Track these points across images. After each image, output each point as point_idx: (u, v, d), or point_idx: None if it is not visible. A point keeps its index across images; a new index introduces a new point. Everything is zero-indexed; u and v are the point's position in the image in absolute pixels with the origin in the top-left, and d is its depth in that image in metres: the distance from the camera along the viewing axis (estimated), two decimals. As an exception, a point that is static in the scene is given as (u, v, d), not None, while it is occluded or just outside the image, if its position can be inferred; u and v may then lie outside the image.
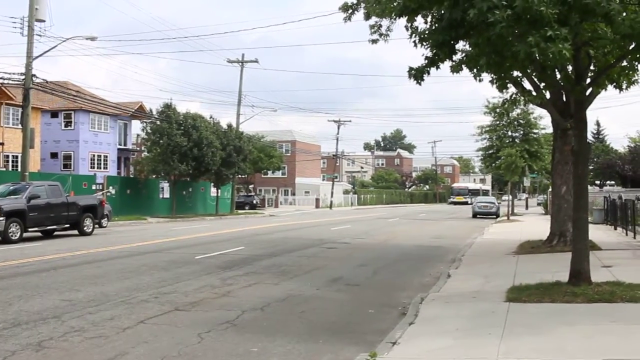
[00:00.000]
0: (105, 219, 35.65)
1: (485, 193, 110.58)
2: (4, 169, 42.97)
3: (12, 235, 24.15)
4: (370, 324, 10.31)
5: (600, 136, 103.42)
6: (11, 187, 27.07)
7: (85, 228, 28.60)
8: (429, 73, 12.23)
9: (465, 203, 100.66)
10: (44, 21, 34.65)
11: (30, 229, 25.75)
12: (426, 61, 12.16)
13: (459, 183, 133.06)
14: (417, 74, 12.19)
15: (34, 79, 34.38)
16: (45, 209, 26.39)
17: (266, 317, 10.74)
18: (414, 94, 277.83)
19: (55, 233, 27.84)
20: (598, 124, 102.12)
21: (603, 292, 10.91)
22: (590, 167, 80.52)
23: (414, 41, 12.42)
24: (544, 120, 52.42)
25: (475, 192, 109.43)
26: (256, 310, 11.19)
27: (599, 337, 8.44)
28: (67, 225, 27.98)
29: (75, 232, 28.11)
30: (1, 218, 23.83)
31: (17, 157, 43.32)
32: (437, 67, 12.21)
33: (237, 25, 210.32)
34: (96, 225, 30.21)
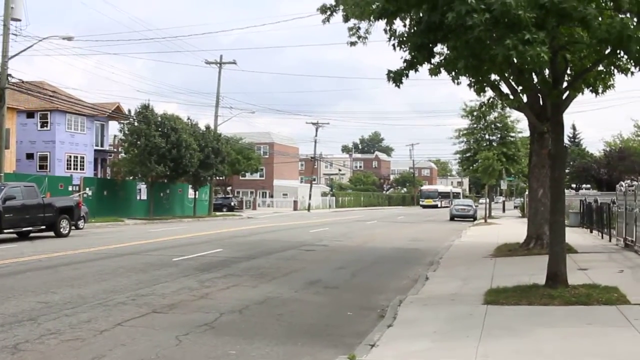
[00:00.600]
0: (82, 220, 35.32)
1: (456, 196, 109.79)
2: (-21, 170, 42.44)
3: (-14, 237, 23.78)
4: (349, 327, 10.31)
5: (577, 140, 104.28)
6: None
7: (61, 229, 28.26)
8: (407, 76, 12.26)
9: (435, 206, 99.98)
10: (19, 20, 34.40)
11: (5, 230, 25.43)
12: (405, 64, 12.19)
13: (428, 186, 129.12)
14: (396, 77, 12.22)
15: (9, 78, 34.12)
16: (21, 210, 26.06)
17: (244, 319, 10.71)
18: (392, 96, 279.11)
19: (32, 235, 27.53)
20: (574, 127, 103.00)
21: (580, 295, 11.01)
22: (567, 171, 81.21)
23: (393, 44, 12.43)
24: (521, 124, 52.88)
25: (445, 195, 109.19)
26: (234, 313, 11.15)
27: (576, 339, 8.52)
28: (43, 227, 27.62)
29: (52, 233, 27.80)
30: None
31: (-8, 158, 42.78)
32: (416, 70, 12.24)
33: (215, 27, 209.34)
34: (73, 227, 29.92)
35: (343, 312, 11.56)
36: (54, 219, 28.03)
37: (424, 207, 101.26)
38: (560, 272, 11.79)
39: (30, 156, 52.40)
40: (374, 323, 10.35)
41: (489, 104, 16.06)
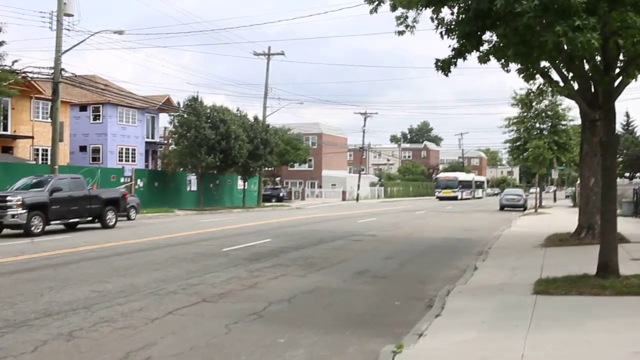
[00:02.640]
0: (134, 211, 36.02)
1: (480, 185, 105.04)
2: (34, 162, 43.52)
3: (34, 228, 24.27)
4: (397, 316, 10.32)
5: (630, 127, 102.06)
6: (34, 180, 27.29)
7: (107, 221, 28.53)
8: (455, 64, 12.18)
9: (454, 198, 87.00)
10: (72, 15, 35.07)
11: (52, 222, 25.78)
12: (453, 52, 12.10)
13: (446, 173, 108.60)
14: (444, 66, 12.15)
15: (62, 73, 34.78)
16: (68, 202, 26.40)
17: (293, 308, 10.79)
18: (439, 86, 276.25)
19: (79, 226, 28.01)
20: (628, 115, 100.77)
21: (631, 285, 10.81)
22: (620, 159, 79.63)
23: (440, 32, 12.34)
24: (572, 112, 51.80)
25: (466, 185, 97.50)
26: (283, 302, 11.25)
27: (628, 330, 8.38)
28: (90, 218, 28.00)
29: (98, 225, 28.23)
30: (23, 211, 23.91)
31: (46, 150, 43.84)
32: (464, 59, 12.15)
33: (260, 18, 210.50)
34: (123, 218, 30.41)
35: (391, 302, 11.56)
36: (100, 210, 28.30)
37: (441, 199, 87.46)
38: (612, 262, 11.59)
39: (83, 149, 53.46)
40: (422, 313, 10.33)
41: (538, 91, 15.80)
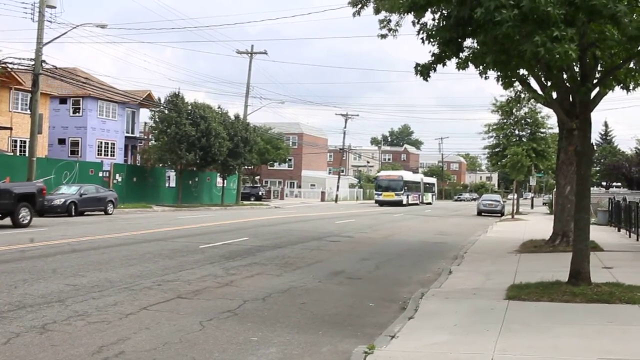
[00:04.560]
0: (112, 205, 35.93)
1: (429, 188, 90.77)
2: (12, 154, 43.17)
3: None
4: (370, 317, 10.41)
5: (608, 137, 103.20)
6: None
7: (21, 219, 25.15)
8: (435, 70, 12.30)
9: (399, 203, 72.03)
10: (54, 7, 34.89)
11: None
12: (433, 58, 12.22)
13: (388, 172, 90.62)
14: (424, 70, 12.26)
15: (43, 64, 34.59)
16: None
17: (267, 307, 10.85)
18: (421, 89, 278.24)
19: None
20: (606, 124, 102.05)
21: (602, 293, 10.97)
22: (597, 168, 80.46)
23: (422, 38, 12.45)
24: (551, 120, 52.30)
25: (414, 187, 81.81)
26: (258, 301, 11.30)
27: (596, 336, 8.52)
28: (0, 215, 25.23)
29: (72, 219, 27.98)
30: None
31: (25, 142, 43.52)
32: (444, 64, 12.27)
33: (242, 17, 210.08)
34: (101, 212, 30.08)
35: (365, 303, 11.66)
36: (12, 207, 24.95)
37: (381, 203, 73.09)
38: (584, 269, 11.76)
39: (62, 141, 53.10)
40: (396, 315, 10.44)
41: (516, 98, 15.97)
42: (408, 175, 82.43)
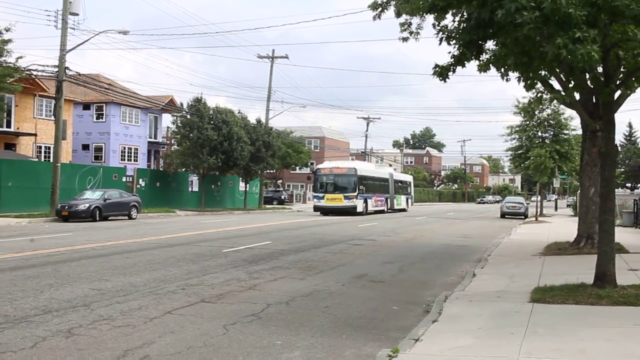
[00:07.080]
0: (135, 210, 36.21)
1: (404, 188, 65.94)
2: (37, 160, 43.65)
3: None
4: (394, 321, 10.39)
5: (633, 138, 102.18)
6: None
7: None
8: (454, 71, 12.23)
9: (351, 210, 48.56)
10: (77, 14, 35.31)
11: None
12: (452, 59, 12.17)
13: (335, 162, 58.41)
14: (442, 72, 12.20)
15: (66, 71, 34.95)
16: None
17: (291, 311, 10.87)
18: (441, 92, 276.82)
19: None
20: (630, 125, 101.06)
21: (628, 295, 10.86)
22: (622, 170, 79.68)
23: (440, 38, 12.42)
24: (575, 121, 51.93)
25: (377, 186, 55.70)
26: (281, 304, 11.33)
27: (622, 339, 8.44)
28: None
29: (96, 224, 28.20)
30: None
31: (49, 148, 44.01)
32: (463, 66, 12.21)
33: (261, 22, 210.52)
34: (125, 217, 30.29)
35: (388, 306, 11.64)
36: None
37: (323, 211, 49.51)
38: (609, 271, 11.65)
39: (86, 147, 53.64)
40: (419, 318, 10.42)
41: (537, 99, 15.85)
42: (365, 168, 56.51)
